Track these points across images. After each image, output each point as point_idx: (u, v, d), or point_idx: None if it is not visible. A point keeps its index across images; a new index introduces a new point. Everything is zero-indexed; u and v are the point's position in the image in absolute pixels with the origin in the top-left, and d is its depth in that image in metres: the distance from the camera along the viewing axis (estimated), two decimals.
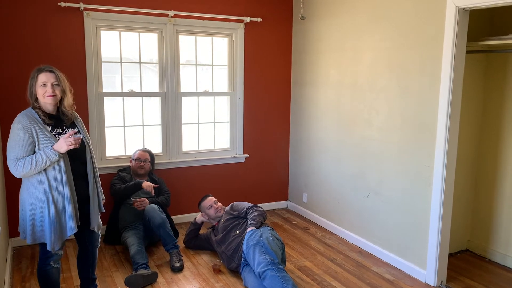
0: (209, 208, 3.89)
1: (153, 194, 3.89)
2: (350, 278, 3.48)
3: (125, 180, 4.04)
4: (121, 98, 4.31)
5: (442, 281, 3.39)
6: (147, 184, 3.82)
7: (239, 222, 3.64)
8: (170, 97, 4.47)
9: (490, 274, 3.58)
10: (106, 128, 4.25)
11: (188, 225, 4.19)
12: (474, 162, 3.94)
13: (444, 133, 3.20)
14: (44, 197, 2.48)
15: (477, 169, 3.95)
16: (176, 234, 4.10)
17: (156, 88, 4.47)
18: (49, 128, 2.52)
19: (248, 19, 4.66)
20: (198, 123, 4.74)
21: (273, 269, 3.00)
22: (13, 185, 3.56)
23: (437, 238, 3.31)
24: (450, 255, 3.78)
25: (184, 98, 4.58)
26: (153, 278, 3.36)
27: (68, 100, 2.61)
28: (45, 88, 2.49)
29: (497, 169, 3.79)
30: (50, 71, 2.52)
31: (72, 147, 2.47)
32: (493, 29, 3.70)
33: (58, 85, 2.52)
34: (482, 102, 3.87)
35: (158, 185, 4.03)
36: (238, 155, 4.92)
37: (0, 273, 2.91)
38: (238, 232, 3.56)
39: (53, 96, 2.51)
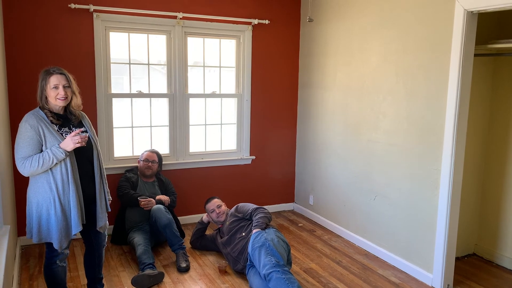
0: (211, 212, 3.91)
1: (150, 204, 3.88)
2: (355, 281, 3.47)
3: (132, 181, 4.07)
4: (129, 99, 4.35)
5: (448, 285, 3.37)
6: (142, 203, 3.85)
7: (244, 224, 3.65)
8: (178, 99, 4.50)
9: (497, 279, 3.56)
10: (114, 129, 4.29)
11: (195, 225, 4.21)
12: (482, 165, 3.91)
13: (451, 136, 3.19)
14: (50, 197, 2.50)
15: (485, 173, 3.92)
16: (183, 235, 4.12)
17: (164, 90, 4.50)
18: (56, 127, 2.55)
19: (256, 21, 4.68)
20: (205, 125, 4.76)
21: (279, 271, 3.00)
22: (22, 183, 3.60)
23: (444, 242, 3.30)
24: (457, 259, 3.77)
25: (191, 100, 4.60)
26: (159, 278, 3.38)
27: (77, 100, 2.64)
28: (57, 91, 2.52)
29: (504, 173, 3.76)
30: (61, 73, 2.54)
31: (78, 145, 2.49)
32: (501, 32, 3.68)
33: (68, 87, 2.56)
34: (489, 105, 3.84)
35: (154, 202, 3.93)
36: (245, 156, 4.93)
37: (8, 271, 2.94)
38: (243, 234, 3.57)
39: (65, 98, 2.54)
